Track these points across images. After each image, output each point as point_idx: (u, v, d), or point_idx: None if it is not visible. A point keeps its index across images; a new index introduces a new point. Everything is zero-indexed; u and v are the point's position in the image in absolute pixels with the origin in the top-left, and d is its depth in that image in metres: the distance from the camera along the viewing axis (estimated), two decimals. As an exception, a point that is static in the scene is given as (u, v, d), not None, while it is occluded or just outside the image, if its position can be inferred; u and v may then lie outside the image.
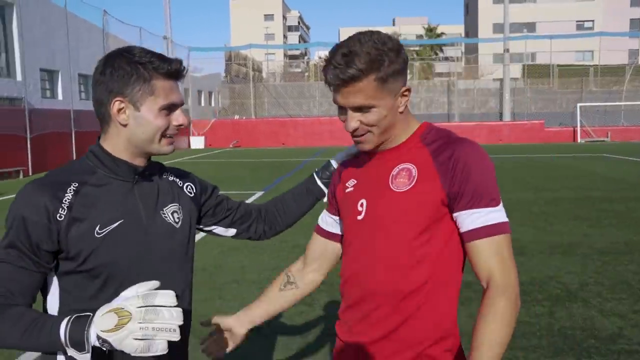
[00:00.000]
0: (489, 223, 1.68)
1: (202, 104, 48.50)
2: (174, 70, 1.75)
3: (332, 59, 1.70)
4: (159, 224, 1.82)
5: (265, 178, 18.92)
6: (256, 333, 5.35)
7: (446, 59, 66.15)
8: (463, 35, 78.38)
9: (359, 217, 1.85)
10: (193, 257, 2.00)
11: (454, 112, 45.10)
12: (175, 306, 1.48)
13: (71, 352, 1.51)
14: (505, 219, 1.72)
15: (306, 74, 58.40)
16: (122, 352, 1.48)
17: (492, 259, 1.67)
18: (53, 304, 1.73)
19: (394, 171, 1.81)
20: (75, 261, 1.67)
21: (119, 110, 1.71)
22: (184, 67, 1.81)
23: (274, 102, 48.43)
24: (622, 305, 5.84)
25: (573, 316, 5.56)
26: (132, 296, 1.48)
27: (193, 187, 2.04)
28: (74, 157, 24.46)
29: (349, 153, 2.12)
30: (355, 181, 1.94)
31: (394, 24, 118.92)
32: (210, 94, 51.07)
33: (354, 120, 1.74)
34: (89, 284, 1.69)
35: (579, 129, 37.95)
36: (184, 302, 1.87)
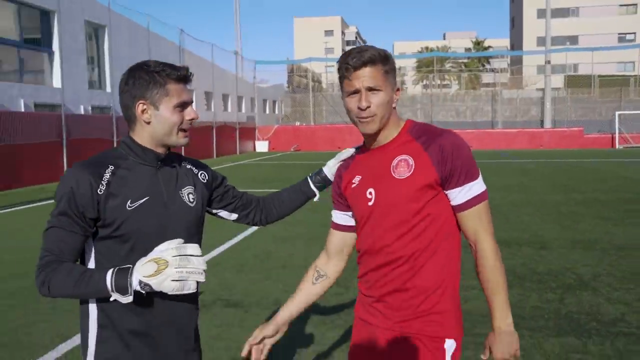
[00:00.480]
0: (472, 196, 1.98)
1: (267, 112, 48.99)
2: (182, 76, 1.95)
3: (351, 53, 1.98)
4: (177, 202, 2.01)
5: (319, 178, 19.18)
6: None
7: (492, 70, 65.04)
8: (509, 48, 77.00)
9: (370, 203, 2.07)
10: (202, 232, 2.17)
11: (498, 120, 44.43)
12: (200, 256, 1.74)
13: (116, 296, 1.73)
14: (484, 188, 2.02)
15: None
16: (160, 292, 1.73)
17: (477, 224, 2.01)
18: (89, 265, 1.92)
19: (394, 162, 2.02)
20: (109, 228, 1.87)
21: (142, 111, 1.93)
22: (191, 73, 2.01)
23: (332, 110, 48.64)
24: (628, 294, 5.86)
25: (581, 303, 5.61)
26: (167, 249, 1.73)
27: (206, 175, 2.20)
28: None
29: (339, 159, 2.35)
30: (360, 177, 2.14)
31: (444, 38, 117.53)
32: (274, 102, 51.57)
33: (366, 99, 1.96)
34: (120, 248, 1.89)
35: (617, 135, 36.85)
36: None
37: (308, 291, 2.33)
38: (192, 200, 2.06)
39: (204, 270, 1.74)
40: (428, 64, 59.78)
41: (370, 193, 2.08)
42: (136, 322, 1.92)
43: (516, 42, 72.53)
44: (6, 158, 16.59)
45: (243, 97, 42.99)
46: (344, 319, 5.33)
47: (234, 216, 2.36)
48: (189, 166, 2.15)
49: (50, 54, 22.26)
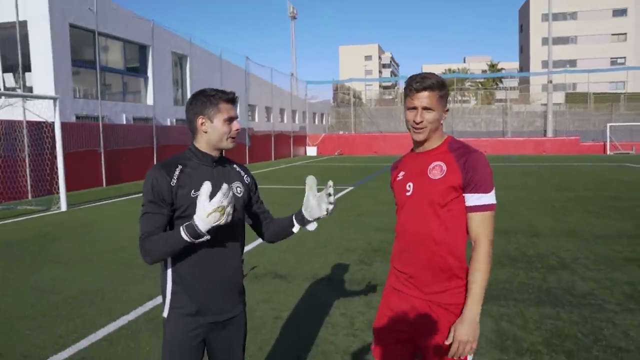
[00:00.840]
0: (481, 203, 2.06)
1: (316, 123, 49.05)
2: (230, 98, 2.14)
3: (416, 77, 2.10)
4: None
5: (357, 177, 19.24)
6: (327, 283, 5.83)
7: (504, 88, 63.45)
8: (518, 70, 75.02)
9: (408, 194, 2.17)
10: (244, 215, 2.30)
11: (508, 130, 43.47)
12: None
13: (196, 240, 1.93)
14: (493, 201, 2.08)
15: (395, 100, 57.98)
16: (215, 258, 2.09)
17: (479, 228, 2.06)
18: None
19: (431, 166, 2.13)
20: (180, 210, 2.06)
21: (202, 123, 2.12)
22: (237, 96, 2.19)
23: (369, 121, 48.48)
24: (599, 274, 5.79)
25: (559, 280, 5.59)
26: (218, 199, 1.87)
27: (249, 178, 2.33)
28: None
29: (312, 191, 2.26)
30: (404, 172, 2.25)
31: (464, 61, 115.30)
32: (322, 115, 51.59)
33: (421, 115, 2.09)
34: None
35: (608, 143, 35.65)
36: (240, 244, 2.24)
37: None
38: (239, 192, 2.21)
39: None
40: (450, 83, 58.82)
41: (409, 186, 2.17)
42: (197, 280, 2.09)
43: (524, 65, 70.61)
44: (111, 160, 17.24)
45: (296, 110, 43.15)
46: (367, 294, 5.43)
47: (250, 221, 2.39)
48: (237, 169, 2.30)
49: (146, 79, 22.91)
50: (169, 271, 2.12)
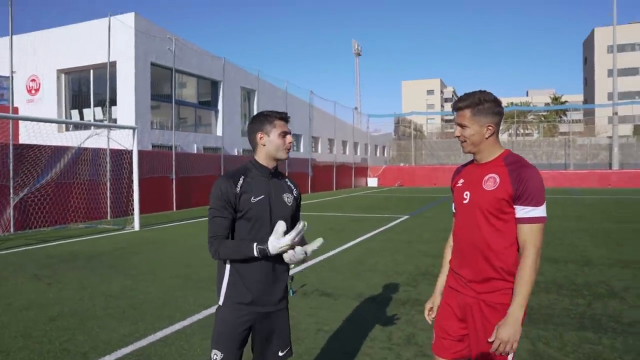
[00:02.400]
0: (530, 216, 2.12)
1: (377, 155, 49.08)
2: (284, 116, 2.44)
3: (458, 98, 2.28)
4: (280, 200, 2.43)
5: (414, 207, 19.13)
6: (371, 301, 5.86)
7: (567, 121, 61.17)
8: (582, 102, 72.17)
9: (465, 202, 2.31)
10: (293, 220, 2.49)
11: (570, 162, 41.70)
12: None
13: (260, 255, 2.25)
14: (543, 214, 2.14)
15: (456, 133, 57.10)
16: (269, 259, 2.30)
17: (528, 237, 2.13)
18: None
19: (485, 177, 2.23)
20: (241, 212, 2.34)
21: (260, 138, 2.41)
22: (289, 116, 2.48)
23: (430, 154, 48.01)
24: (650, 303, 5.53)
25: (606, 307, 5.36)
26: (291, 237, 2.22)
27: (298, 192, 2.57)
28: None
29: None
30: (463, 180, 2.38)
31: (527, 95, 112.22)
32: (383, 147, 51.63)
33: (458, 131, 2.28)
34: (246, 224, 2.35)
35: (681, 176, 33.36)
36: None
37: (449, 265, 2.52)
38: (289, 202, 2.47)
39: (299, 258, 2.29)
40: (511, 116, 57.40)
41: (466, 194, 2.30)
42: (254, 275, 2.34)
43: (589, 97, 67.87)
44: (183, 186, 18.14)
45: (358, 142, 43.51)
46: (409, 312, 5.47)
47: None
48: (288, 182, 2.56)
49: (216, 111, 24.01)
50: (227, 265, 2.37)
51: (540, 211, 2.12)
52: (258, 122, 2.42)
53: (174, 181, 17.65)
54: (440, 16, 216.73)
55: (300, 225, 2.22)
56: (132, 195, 13.04)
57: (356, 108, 45.39)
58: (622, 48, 60.17)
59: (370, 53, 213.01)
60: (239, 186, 2.33)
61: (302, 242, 2.39)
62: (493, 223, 2.19)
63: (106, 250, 9.39)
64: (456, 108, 2.25)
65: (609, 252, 8.83)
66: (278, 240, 2.22)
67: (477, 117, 2.20)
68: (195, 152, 21.27)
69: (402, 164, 45.84)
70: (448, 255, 2.54)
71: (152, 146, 19.15)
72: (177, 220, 14.52)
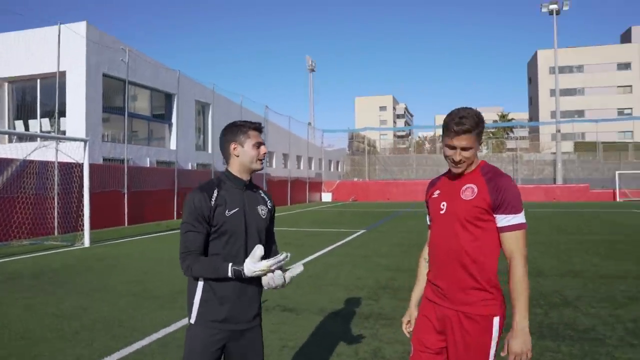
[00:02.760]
0: (512, 223, 2.13)
1: (331, 170, 49.32)
2: (257, 126, 2.38)
3: (455, 117, 2.16)
4: (254, 213, 2.36)
5: (369, 222, 19.25)
6: (334, 316, 5.79)
7: (514, 137, 63.63)
8: (528, 120, 75.32)
9: (442, 212, 2.29)
10: (265, 235, 2.43)
11: (518, 177, 43.29)
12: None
13: (233, 277, 2.17)
14: (523, 221, 2.15)
15: (409, 149, 58.35)
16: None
17: (513, 245, 2.13)
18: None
19: (463, 187, 2.23)
20: (216, 227, 2.25)
21: (234, 149, 2.34)
22: (263, 125, 2.43)
23: (383, 169, 48.68)
24: (603, 310, 5.72)
25: (562, 316, 5.51)
26: (268, 264, 2.14)
27: (272, 205, 2.51)
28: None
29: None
30: (439, 192, 2.36)
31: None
32: (337, 162, 52.01)
33: (460, 154, 2.19)
34: (221, 239, 2.26)
35: (617, 190, 35.27)
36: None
37: (424, 277, 2.50)
38: (263, 214, 2.40)
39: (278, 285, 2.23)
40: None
41: (443, 205, 2.29)
42: (227, 291, 2.24)
43: (534, 115, 70.94)
44: (136, 200, 17.59)
45: (313, 158, 43.63)
46: (373, 327, 5.44)
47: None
48: (262, 194, 2.49)
49: (170, 125, 23.53)
50: (201, 282, 2.26)
51: (520, 217, 2.14)
52: (231, 132, 2.36)
53: (126, 195, 17.08)
54: (392, 34, 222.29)
55: (281, 257, 2.15)
56: (82, 210, 12.51)
57: (310, 123, 45.54)
58: (561, 70, 63.42)
59: (324, 69, 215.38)
60: (213, 199, 2.25)
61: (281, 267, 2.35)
62: (471, 231, 2.18)
63: (54, 267, 8.91)
64: (462, 131, 2.15)
65: (560, 263, 9.14)
66: (254, 264, 2.15)
67: (478, 137, 2.19)
68: (148, 165, 20.70)
69: (355, 179, 46.23)
70: (423, 267, 2.51)
71: (103, 159, 18.49)
72: (130, 236, 14.02)
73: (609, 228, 15.65)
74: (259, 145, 2.36)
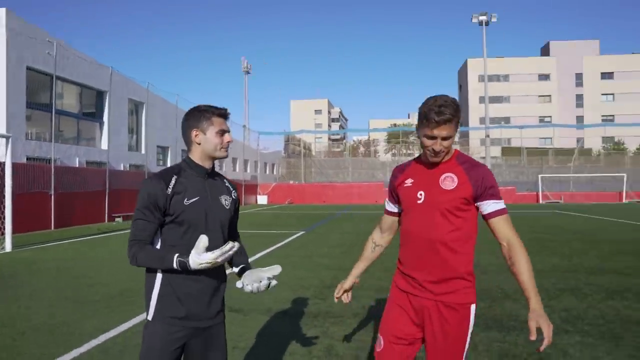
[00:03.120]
0: (499, 208, 2.15)
1: (267, 172, 49.18)
2: (222, 112, 2.24)
3: (433, 106, 2.08)
4: (217, 203, 2.24)
5: (307, 224, 19.28)
6: (283, 316, 5.71)
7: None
8: (457, 125, 78.63)
9: (419, 202, 2.23)
10: (229, 226, 2.35)
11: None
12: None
13: (179, 268, 2.03)
14: (505, 206, 2.19)
15: (344, 152, 59.13)
16: (205, 270, 2.07)
17: (505, 228, 2.16)
18: (158, 241, 2.17)
19: (442, 177, 2.19)
20: (172, 216, 2.12)
21: (196, 135, 2.20)
22: (229, 112, 2.29)
23: (319, 172, 49.09)
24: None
25: (504, 309, 5.74)
26: (214, 257, 1.98)
27: (236, 194, 2.40)
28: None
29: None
30: (412, 180, 2.29)
31: (409, 117, 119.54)
32: (273, 165, 51.86)
33: (440, 144, 2.13)
34: (178, 229, 2.13)
35: (540, 193, 37.54)
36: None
37: (369, 257, 2.56)
38: (226, 204, 2.29)
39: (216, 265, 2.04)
40: (397, 137, 60.84)
41: (420, 194, 2.22)
42: (187, 287, 2.13)
43: (464, 121, 74.18)
44: (64, 202, 16.63)
45: (248, 160, 43.26)
46: (322, 325, 5.40)
47: None
48: (227, 183, 2.38)
49: (101, 124, 22.53)
50: (159, 275, 2.13)
51: (503, 203, 2.17)
52: (193, 118, 2.22)
53: (52, 197, 16.09)
54: (327, 38, 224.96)
55: (227, 247, 2.01)
56: (2, 212, 11.62)
57: (244, 125, 45.09)
58: (490, 78, 66.72)
59: (259, 71, 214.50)
60: (170, 186, 2.12)
61: (244, 262, 2.34)
62: (452, 221, 2.16)
63: (-27, 274, 8.20)
64: (444, 121, 2.08)
65: (496, 259, 9.52)
66: (199, 256, 2.00)
67: (456, 126, 2.15)
68: (77, 165, 19.65)
69: (291, 182, 46.33)
70: (369, 248, 2.56)
71: (27, 159, 17.34)
72: (57, 240, 13.22)
73: (536, 227, 16.57)
74: (222, 132, 2.23)
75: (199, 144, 2.20)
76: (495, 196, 2.16)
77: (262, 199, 39.99)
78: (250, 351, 4.38)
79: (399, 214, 2.42)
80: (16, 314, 5.58)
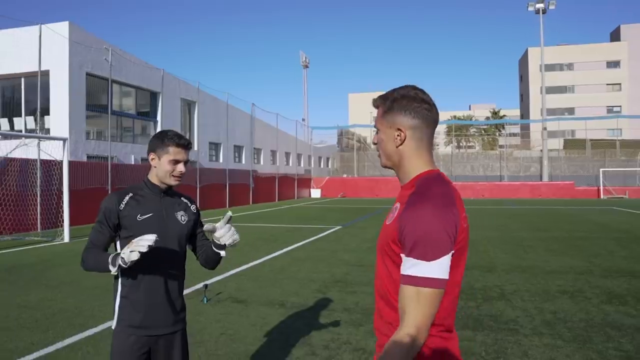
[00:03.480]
0: (411, 273, 1.42)
1: (321, 166, 49.72)
2: (181, 143, 2.33)
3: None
4: (172, 219, 2.36)
5: (350, 218, 19.68)
6: (279, 307, 6.20)
7: (504, 134, 64.28)
8: (519, 117, 75.94)
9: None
10: (188, 242, 2.47)
11: (504, 174, 43.92)
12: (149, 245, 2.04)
13: (112, 269, 2.13)
14: (432, 275, 1.41)
15: (400, 145, 58.67)
16: (158, 275, 2.26)
17: (403, 303, 1.44)
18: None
19: (393, 206, 1.63)
20: (126, 231, 2.27)
21: (152, 159, 2.34)
22: (189, 142, 2.37)
23: (372, 166, 49.13)
24: (530, 304, 6.13)
25: (491, 309, 5.93)
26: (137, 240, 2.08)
27: (196, 208, 2.52)
28: (228, 200, 26.28)
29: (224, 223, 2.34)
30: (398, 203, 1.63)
31: (470, 109, 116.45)
32: (327, 159, 52.40)
33: (375, 138, 1.73)
34: None
35: (602, 188, 35.89)
36: (180, 266, 2.41)
37: None
38: (182, 220, 2.40)
39: (147, 246, 2.05)
40: (457, 129, 59.86)
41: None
42: (141, 295, 2.27)
43: (525, 112, 71.61)
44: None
45: (302, 154, 44.05)
46: (308, 317, 5.84)
47: (190, 247, 2.55)
48: (184, 200, 2.50)
49: (155, 122, 23.92)
50: (119, 286, 2.29)
51: (427, 267, 1.40)
52: (154, 142, 2.36)
53: (109, 192, 17.47)
54: (387, 31, 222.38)
55: (148, 237, 2.07)
56: (62, 207, 12.90)
57: (303, 119, 45.87)
58: (552, 67, 63.98)
59: (317, 65, 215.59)
60: (123, 203, 2.28)
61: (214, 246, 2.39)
62: (387, 265, 1.57)
63: (30, 262, 9.33)
64: (373, 106, 1.69)
65: (513, 258, 9.60)
66: (127, 248, 2.07)
67: (387, 116, 1.62)
68: (133, 163, 21.08)
69: (345, 176, 46.67)
70: None
71: (88, 157, 18.87)
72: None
73: (577, 225, 16.12)
74: (175, 162, 2.32)
75: (155, 167, 2.35)
76: (414, 253, 1.43)
77: (315, 193, 40.64)
78: (235, 338, 4.91)
79: None
80: (53, 298, 6.45)
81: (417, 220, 1.43)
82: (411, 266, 1.42)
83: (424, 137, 1.61)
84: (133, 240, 2.09)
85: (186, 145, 2.36)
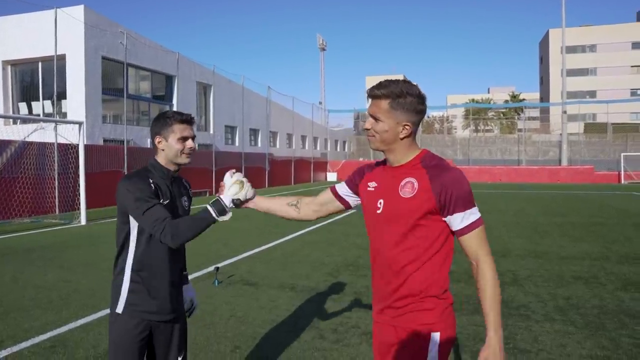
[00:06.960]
0: (469, 222, 1.80)
1: (337, 150, 49.59)
2: (185, 119, 2.30)
3: (378, 84, 1.85)
4: (179, 204, 2.37)
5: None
6: (289, 290, 6.24)
7: (523, 118, 63.32)
8: (539, 100, 74.65)
9: (378, 212, 1.93)
10: None
11: (522, 159, 43.31)
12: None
13: (221, 218, 2.15)
14: (479, 216, 1.84)
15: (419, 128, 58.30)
16: (169, 265, 2.28)
17: (475, 246, 1.82)
18: (131, 239, 2.30)
19: (402, 182, 1.85)
20: None
21: (159, 142, 2.30)
22: (192, 117, 2.35)
23: (388, 149, 48.91)
24: (543, 289, 6.09)
25: (503, 294, 5.76)
26: (236, 178, 2.22)
27: (191, 192, 2.54)
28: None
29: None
30: (376, 184, 1.98)
31: (488, 92, 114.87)
32: (343, 142, 52.22)
33: (369, 123, 1.88)
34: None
35: (622, 172, 35.20)
36: (184, 252, 2.45)
37: (280, 206, 2.33)
38: (185, 205, 2.44)
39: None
40: (474, 113, 59.14)
41: (380, 203, 1.93)
42: (156, 280, 2.27)
43: (545, 95, 70.29)
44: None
45: (318, 137, 43.95)
46: (317, 300, 5.87)
47: None
48: (184, 183, 2.53)
49: (171, 106, 23.98)
50: (128, 271, 2.26)
51: (475, 213, 1.83)
52: (157, 124, 2.32)
53: (125, 175, 17.64)
54: (404, 14, 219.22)
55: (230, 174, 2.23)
56: (78, 190, 13.08)
57: (321, 103, 45.68)
58: (573, 49, 62.54)
59: (334, 48, 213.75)
60: (152, 185, 2.23)
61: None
62: (412, 235, 1.85)
63: (47, 244, 9.51)
64: (371, 95, 1.85)
65: (529, 243, 9.51)
66: (228, 189, 2.19)
67: (394, 112, 1.83)
68: (149, 146, 21.23)
69: (361, 159, 46.50)
70: (290, 200, 2.34)
71: (104, 140, 19.06)
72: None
73: (595, 210, 15.89)
74: (184, 139, 2.29)
75: (163, 150, 2.30)
76: (465, 207, 1.81)
77: (331, 176, 40.62)
78: (245, 320, 4.94)
79: (343, 202, 2.23)
80: (68, 279, 6.57)
81: (457, 181, 1.80)
82: (469, 215, 1.81)
83: (417, 129, 1.92)
84: (225, 183, 2.21)
85: (190, 120, 2.34)
